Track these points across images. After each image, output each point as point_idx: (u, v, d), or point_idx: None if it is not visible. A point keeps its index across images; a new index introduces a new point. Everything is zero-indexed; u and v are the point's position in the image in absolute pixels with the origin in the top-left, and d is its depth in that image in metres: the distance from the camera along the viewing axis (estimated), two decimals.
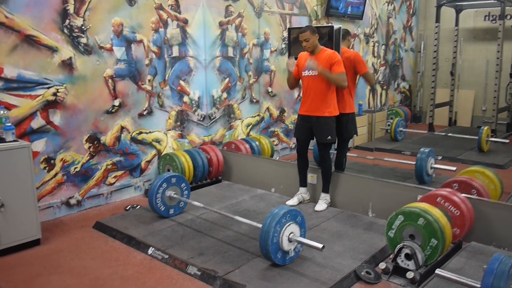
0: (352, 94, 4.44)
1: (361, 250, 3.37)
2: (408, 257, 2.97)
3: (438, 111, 8.37)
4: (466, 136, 7.02)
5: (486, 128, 6.48)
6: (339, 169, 4.56)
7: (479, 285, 2.34)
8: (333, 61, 3.99)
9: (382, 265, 3.04)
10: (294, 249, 3.15)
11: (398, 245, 3.01)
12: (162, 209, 4.00)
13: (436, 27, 7.93)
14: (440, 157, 5.86)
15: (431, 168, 4.99)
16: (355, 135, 4.67)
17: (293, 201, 4.40)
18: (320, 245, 3.00)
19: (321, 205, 4.28)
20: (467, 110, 8.95)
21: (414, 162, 4.96)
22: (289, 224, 3.10)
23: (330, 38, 4.20)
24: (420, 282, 2.89)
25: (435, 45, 7.99)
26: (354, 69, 4.37)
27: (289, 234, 3.09)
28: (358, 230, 3.77)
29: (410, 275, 2.88)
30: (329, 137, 4.12)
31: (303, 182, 4.45)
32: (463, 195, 3.49)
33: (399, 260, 3.01)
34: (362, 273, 3.03)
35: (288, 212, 3.09)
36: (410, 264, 2.96)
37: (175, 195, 4.04)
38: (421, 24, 9.70)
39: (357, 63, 4.34)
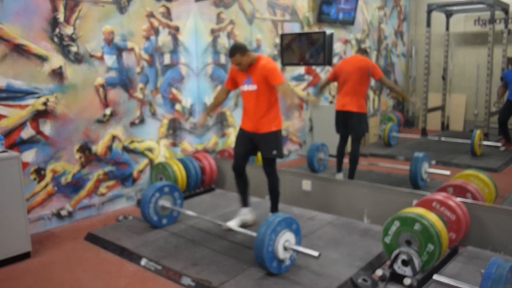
0: (365, 96, 4.94)
1: (357, 257, 3.34)
2: (405, 263, 2.94)
3: (430, 115, 8.40)
4: (459, 140, 7.04)
5: (478, 132, 6.50)
6: (352, 162, 4.96)
7: None
8: (267, 72, 3.60)
9: (379, 272, 3.00)
10: (289, 257, 3.11)
11: (395, 251, 2.97)
12: (155, 219, 3.94)
13: (427, 32, 7.97)
14: (434, 162, 5.86)
15: (426, 173, 4.98)
16: (366, 132, 5.09)
17: (233, 223, 3.84)
18: (316, 253, 2.97)
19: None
20: (459, 115, 8.99)
21: (408, 167, 4.95)
22: (284, 232, 3.06)
23: (323, 44, 4.19)
24: None
25: (426, 50, 8.02)
26: (370, 74, 4.84)
27: (285, 242, 3.05)
28: (353, 237, 3.74)
29: (407, 281, 2.84)
30: (275, 151, 3.75)
31: (244, 202, 4.00)
32: (458, 199, 3.48)
33: (396, 267, 2.97)
34: (359, 280, 2.99)
35: (283, 220, 3.05)
36: (407, 270, 2.93)
37: (168, 205, 3.99)
38: (412, 29, 9.76)
39: (373, 69, 4.83)
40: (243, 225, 3.89)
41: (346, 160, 5.17)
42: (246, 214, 3.98)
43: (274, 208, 3.98)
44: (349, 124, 4.94)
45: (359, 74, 4.82)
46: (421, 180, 4.88)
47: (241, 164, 3.90)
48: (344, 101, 4.92)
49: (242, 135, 3.90)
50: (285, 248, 3.06)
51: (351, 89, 4.85)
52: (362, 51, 5.11)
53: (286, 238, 3.07)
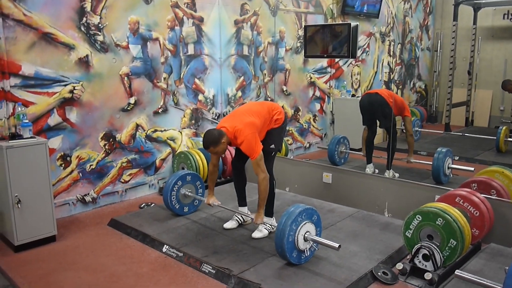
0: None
1: (377, 250, 3.32)
2: (426, 257, 2.92)
3: (454, 111, 8.24)
4: (484, 137, 6.90)
5: (504, 128, 6.36)
6: (391, 151, 4.98)
7: (500, 287, 2.28)
8: (245, 152, 3.37)
9: (399, 266, 2.99)
10: (309, 248, 3.12)
11: (416, 246, 2.96)
12: (177, 207, 4.00)
13: (454, 25, 7.81)
14: (457, 158, 5.77)
15: (448, 168, 4.90)
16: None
17: (231, 224, 3.77)
18: (336, 245, 2.97)
19: (260, 232, 3.57)
20: (484, 110, 8.80)
21: (431, 163, 4.89)
22: (305, 223, 3.07)
23: (347, 36, 4.15)
24: (438, 284, 2.84)
25: (452, 44, 7.86)
26: (400, 108, 5.14)
27: (305, 233, 3.06)
28: (374, 230, 3.72)
29: (428, 276, 2.83)
30: (272, 145, 3.58)
31: (242, 201, 3.83)
32: (483, 195, 3.42)
33: (416, 261, 2.96)
34: (379, 273, 2.98)
35: (304, 211, 3.06)
36: (428, 265, 2.91)
37: (189, 193, 4.04)
38: (438, 23, 9.57)
39: (406, 105, 5.21)
40: (241, 225, 3.80)
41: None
42: (243, 213, 3.80)
43: (270, 212, 3.70)
44: (378, 112, 5.06)
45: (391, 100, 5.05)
46: (443, 175, 4.82)
47: (240, 159, 3.73)
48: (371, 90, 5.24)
49: None
50: (306, 239, 3.07)
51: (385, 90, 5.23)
52: None
53: (307, 229, 3.08)
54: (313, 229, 3.14)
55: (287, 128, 6.48)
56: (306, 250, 3.10)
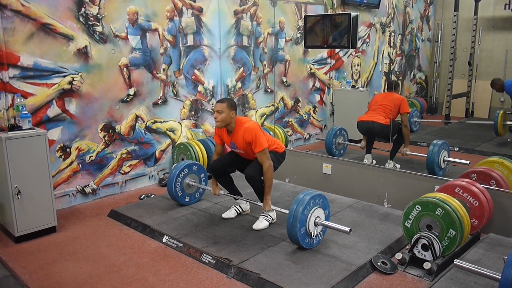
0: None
1: (376, 240, 3.34)
2: (425, 247, 2.93)
3: (454, 102, 8.23)
4: (484, 127, 6.90)
5: (501, 112, 6.36)
6: (396, 143, 5.11)
7: (499, 276, 2.29)
8: (250, 140, 3.42)
9: (399, 256, 3.00)
10: (316, 235, 3.17)
11: (415, 236, 2.97)
12: (179, 194, 4.01)
13: (455, 16, 7.77)
14: (456, 149, 5.77)
15: (444, 161, 4.82)
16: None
17: (230, 213, 3.81)
18: (347, 229, 3.02)
19: (261, 223, 3.58)
20: (484, 101, 8.78)
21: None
22: (319, 208, 3.16)
23: (348, 26, 4.13)
24: (437, 273, 2.86)
25: (453, 35, 7.83)
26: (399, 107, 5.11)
27: (316, 218, 3.14)
28: (373, 221, 3.73)
29: (427, 265, 2.84)
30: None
31: (236, 194, 3.87)
32: (482, 185, 3.43)
33: (415, 251, 2.97)
34: (378, 263, 3.00)
35: (323, 198, 3.20)
36: (427, 255, 2.92)
37: (193, 183, 4.05)
38: (439, 13, 9.52)
39: (402, 104, 5.08)
40: (240, 214, 3.85)
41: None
42: (242, 203, 3.87)
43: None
44: (380, 135, 5.16)
45: (391, 105, 5.08)
46: (438, 168, 4.72)
47: (222, 167, 3.70)
48: (370, 115, 5.20)
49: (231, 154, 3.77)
50: (316, 224, 3.14)
51: (380, 109, 5.17)
52: (395, 85, 5.39)
53: (319, 214, 3.17)
54: (323, 216, 3.23)
55: (287, 119, 6.49)
56: (312, 235, 3.14)
